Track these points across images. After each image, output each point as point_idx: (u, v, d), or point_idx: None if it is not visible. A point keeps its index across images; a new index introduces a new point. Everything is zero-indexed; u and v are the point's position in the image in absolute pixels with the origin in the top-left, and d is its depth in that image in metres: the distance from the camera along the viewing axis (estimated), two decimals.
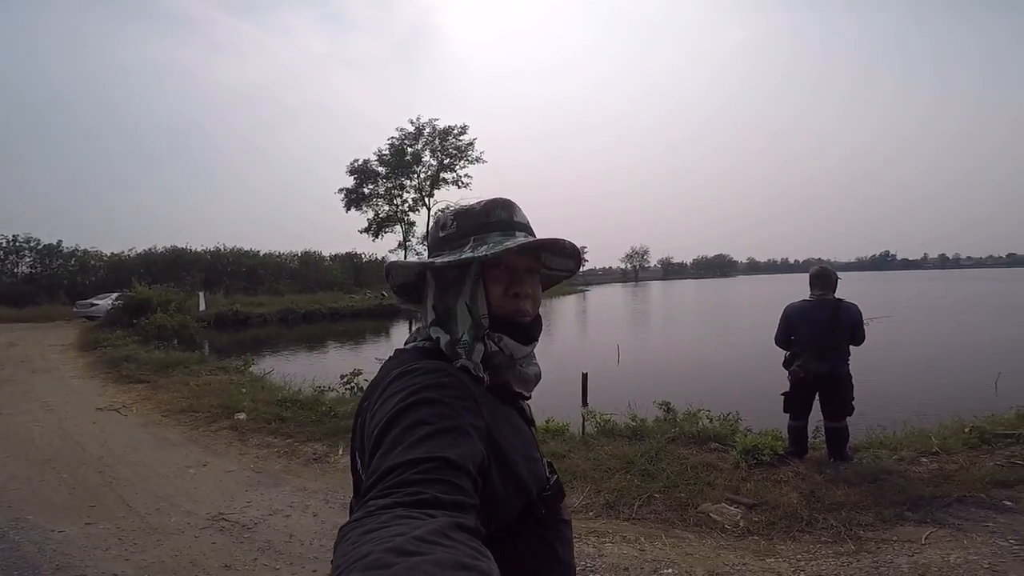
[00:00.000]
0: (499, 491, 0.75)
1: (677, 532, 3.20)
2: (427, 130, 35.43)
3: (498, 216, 0.88)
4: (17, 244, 31.65)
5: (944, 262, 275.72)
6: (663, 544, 3.05)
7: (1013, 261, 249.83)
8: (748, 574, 2.74)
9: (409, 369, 0.77)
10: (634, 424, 5.17)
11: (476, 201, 0.91)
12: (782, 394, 4.22)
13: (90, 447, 5.15)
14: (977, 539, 2.93)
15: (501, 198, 0.90)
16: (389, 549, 0.44)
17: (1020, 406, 4.77)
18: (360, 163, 35.70)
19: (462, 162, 35.90)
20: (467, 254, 0.84)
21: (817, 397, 4.12)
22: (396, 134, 35.43)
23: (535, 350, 0.94)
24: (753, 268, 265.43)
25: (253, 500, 3.84)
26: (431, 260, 0.87)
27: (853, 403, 4.00)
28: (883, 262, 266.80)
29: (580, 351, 16.41)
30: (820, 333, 3.97)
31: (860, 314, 4.01)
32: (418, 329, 0.94)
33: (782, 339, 4.23)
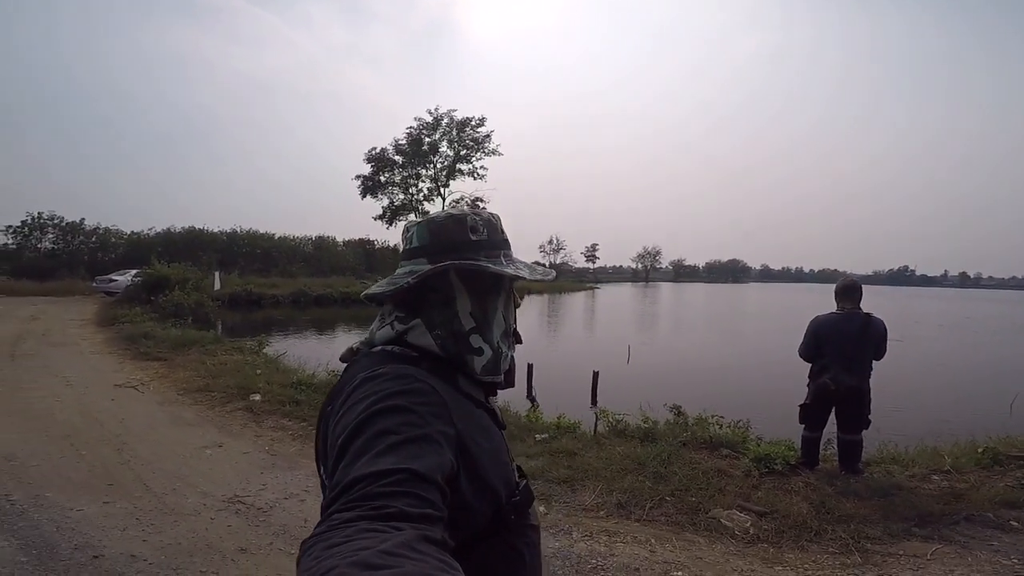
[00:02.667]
0: (468, 497, 0.73)
1: (687, 536, 3.24)
2: (445, 120, 35.34)
3: (505, 235, 0.94)
4: (41, 221, 32.24)
5: (964, 280, 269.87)
6: (673, 547, 3.09)
7: None
8: None
9: (376, 374, 0.75)
10: (646, 426, 5.21)
11: (489, 213, 0.93)
12: (800, 405, 4.20)
13: (108, 424, 5.26)
14: (981, 557, 2.97)
15: (496, 214, 0.95)
16: (354, 563, 0.43)
17: None
18: (378, 151, 35.74)
19: (478, 154, 35.83)
20: (525, 270, 0.92)
21: (833, 410, 4.10)
22: (414, 123, 35.43)
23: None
24: (766, 275, 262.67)
25: (268, 483, 3.91)
26: (479, 263, 0.86)
27: (870, 417, 4.00)
28: (901, 277, 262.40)
29: (590, 349, 16.41)
30: (849, 347, 3.95)
31: (886, 330, 4.01)
32: (372, 331, 0.90)
33: (808, 351, 4.18)
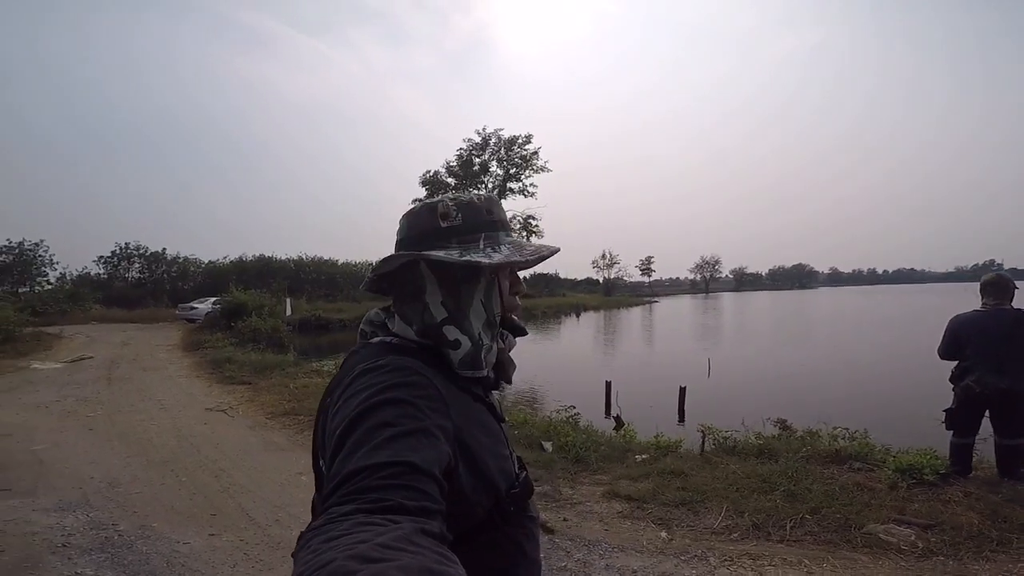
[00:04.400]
0: (467, 490, 0.73)
1: (844, 554, 2.97)
2: (493, 140, 35.72)
3: (499, 215, 0.89)
4: (128, 251, 34.89)
5: None
6: (833, 566, 2.84)
7: None
8: None
9: (374, 366, 0.73)
10: (759, 442, 4.90)
11: (473, 194, 0.89)
12: (945, 410, 3.92)
13: (204, 449, 5.22)
14: None
15: (494, 196, 0.91)
16: (352, 556, 0.42)
17: None
18: (431, 174, 36.49)
19: (527, 171, 35.88)
20: (497, 255, 0.83)
21: (987, 414, 3.81)
22: (464, 144, 35.98)
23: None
24: (835, 279, 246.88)
25: None
26: (449, 253, 0.82)
27: None
28: (987, 272, 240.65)
29: (662, 364, 15.77)
30: (997, 346, 3.67)
31: None
32: (369, 320, 0.91)
33: (948, 351, 3.93)
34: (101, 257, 34.53)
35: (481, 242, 0.85)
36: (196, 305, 23.01)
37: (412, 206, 0.90)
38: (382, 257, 0.85)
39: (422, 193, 36.76)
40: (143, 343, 15.54)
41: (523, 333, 0.96)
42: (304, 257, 40.19)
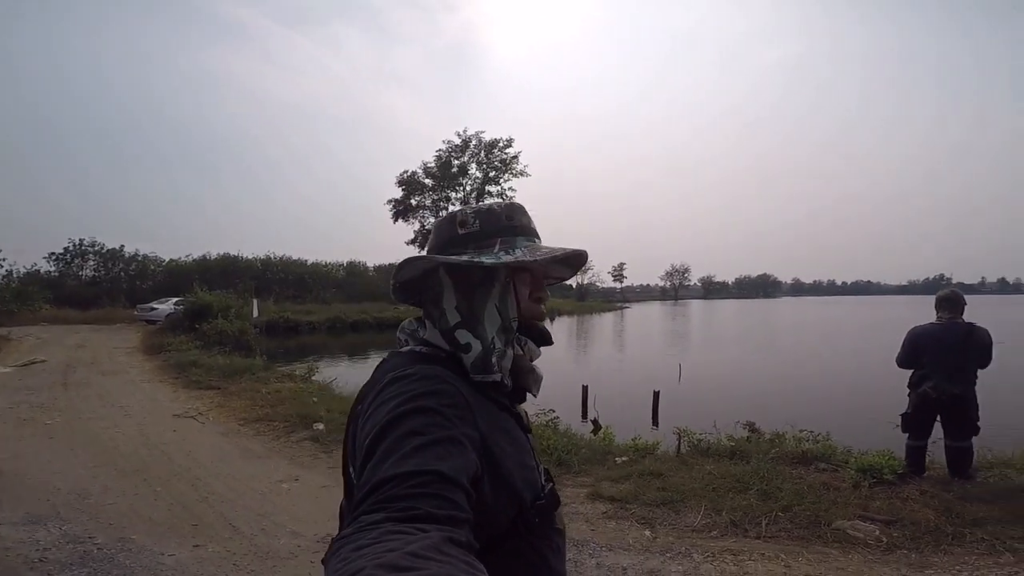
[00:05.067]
0: (491, 500, 0.73)
1: (818, 548, 3.16)
2: (473, 142, 35.65)
3: (520, 221, 0.89)
4: (83, 248, 33.20)
5: (1003, 287, 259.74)
6: (808, 560, 3.01)
7: None
8: None
9: (403, 375, 0.74)
10: (732, 444, 5.11)
11: (494, 202, 0.91)
12: (901, 414, 4.20)
13: (176, 457, 5.03)
14: None
15: (518, 203, 0.93)
16: (381, 565, 0.43)
17: None
18: (408, 174, 36.12)
19: (507, 175, 35.93)
20: (507, 256, 0.84)
21: (939, 418, 4.11)
22: (443, 146, 35.77)
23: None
24: (797, 289, 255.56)
25: None
26: (460, 256, 0.84)
27: (978, 423, 3.99)
28: (938, 286, 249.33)
29: (634, 369, 15.98)
30: (951, 356, 3.96)
31: (991, 339, 4.00)
32: (402, 328, 0.91)
33: (907, 360, 4.21)
34: (52, 254, 32.61)
35: (496, 247, 0.85)
36: (156, 306, 22.06)
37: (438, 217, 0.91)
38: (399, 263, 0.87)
39: (399, 193, 36.41)
40: (100, 345, 14.83)
41: (548, 342, 0.94)
42: (272, 256, 39.09)
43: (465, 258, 0.83)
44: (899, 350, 4.25)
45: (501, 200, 0.93)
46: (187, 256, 36.47)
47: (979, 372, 4.00)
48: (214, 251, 37.24)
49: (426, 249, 0.90)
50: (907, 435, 4.18)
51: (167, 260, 35.65)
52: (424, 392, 0.70)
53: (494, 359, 0.83)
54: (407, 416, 0.66)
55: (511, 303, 0.87)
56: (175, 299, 21.49)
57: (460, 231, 0.87)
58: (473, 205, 0.90)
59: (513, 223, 0.88)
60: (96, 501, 3.89)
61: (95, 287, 31.99)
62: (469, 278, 0.85)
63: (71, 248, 33.01)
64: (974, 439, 4.03)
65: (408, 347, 0.87)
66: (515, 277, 0.88)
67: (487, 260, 0.82)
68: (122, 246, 34.44)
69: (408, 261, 0.85)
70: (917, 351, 4.12)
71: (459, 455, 0.63)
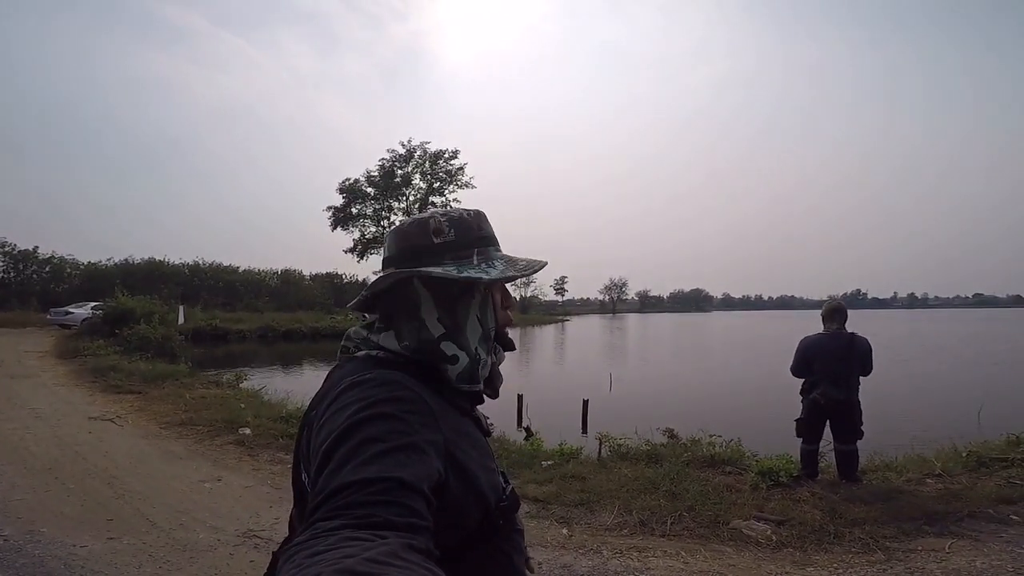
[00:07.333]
0: (459, 503, 0.72)
1: (715, 546, 3.36)
2: (418, 153, 35.60)
3: (488, 231, 0.89)
4: None
5: (913, 301, 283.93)
6: (704, 557, 3.20)
7: (979, 301, 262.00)
8: None
9: (362, 379, 0.72)
10: (648, 448, 5.38)
11: (462, 210, 0.89)
12: (796, 420, 4.43)
13: (91, 457, 4.96)
14: (995, 548, 3.18)
15: (481, 210, 0.91)
16: (339, 571, 0.42)
17: (1009, 434, 5.05)
18: (350, 182, 35.58)
19: (451, 186, 36.09)
20: (494, 271, 0.83)
21: (828, 423, 4.34)
22: (387, 155, 35.54)
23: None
24: (728, 304, 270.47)
25: (281, 516, 3.74)
26: (447, 269, 0.81)
27: (862, 428, 4.24)
28: (854, 300, 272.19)
29: (569, 379, 16.48)
30: (837, 363, 4.21)
31: (871, 347, 4.28)
32: (349, 336, 0.88)
33: (799, 369, 4.44)
34: None
35: (475, 257, 0.84)
36: (72, 310, 20.70)
37: (402, 222, 0.90)
38: (377, 275, 0.86)
39: (339, 201, 35.75)
40: (7, 348, 13.80)
41: (512, 348, 0.94)
42: (201, 263, 37.45)
43: (456, 272, 0.81)
44: (792, 359, 4.49)
45: (464, 208, 0.90)
46: (108, 259, 34.39)
47: (862, 379, 4.24)
48: (138, 255, 35.28)
49: (389, 255, 0.87)
50: (801, 440, 4.40)
51: (85, 263, 33.41)
52: (384, 398, 0.68)
53: (480, 370, 0.84)
54: (366, 422, 0.64)
55: (490, 313, 0.87)
56: (93, 304, 20.27)
57: (436, 240, 0.84)
58: (442, 211, 0.88)
59: (483, 232, 0.88)
60: (2, 497, 3.84)
61: (4, 289, 29.49)
62: (448, 289, 0.83)
63: None
64: (862, 443, 4.26)
65: (363, 352, 0.84)
66: (491, 287, 0.88)
67: (482, 275, 0.81)
68: (36, 247, 32.00)
69: (389, 274, 0.82)
70: (807, 360, 4.33)
71: (420, 462, 0.62)
